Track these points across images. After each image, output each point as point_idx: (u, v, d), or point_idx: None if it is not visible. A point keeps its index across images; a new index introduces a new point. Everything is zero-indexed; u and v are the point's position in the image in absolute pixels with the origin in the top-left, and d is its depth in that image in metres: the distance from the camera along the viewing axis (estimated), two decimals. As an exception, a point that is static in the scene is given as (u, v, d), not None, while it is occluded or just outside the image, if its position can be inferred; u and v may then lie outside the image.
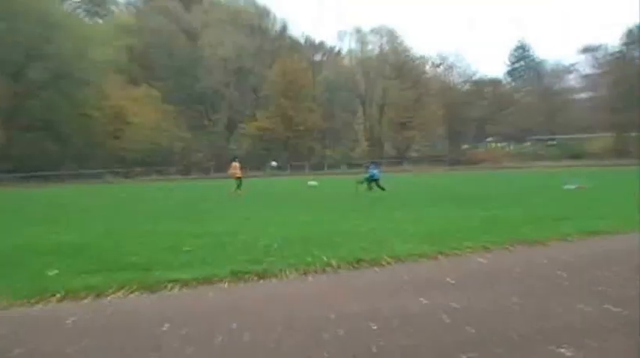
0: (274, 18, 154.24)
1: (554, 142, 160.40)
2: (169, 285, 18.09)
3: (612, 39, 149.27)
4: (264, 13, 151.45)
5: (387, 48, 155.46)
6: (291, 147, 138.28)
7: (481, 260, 21.86)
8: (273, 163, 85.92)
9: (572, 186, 58.52)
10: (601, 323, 13.41)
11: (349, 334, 12.92)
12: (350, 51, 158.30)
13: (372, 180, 60.24)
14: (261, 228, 30.75)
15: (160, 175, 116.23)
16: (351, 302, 16.03)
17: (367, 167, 67.83)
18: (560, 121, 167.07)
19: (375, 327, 13.36)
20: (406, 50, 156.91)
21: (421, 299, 15.95)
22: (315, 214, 37.43)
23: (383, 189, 61.19)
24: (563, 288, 17.08)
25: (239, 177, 75.04)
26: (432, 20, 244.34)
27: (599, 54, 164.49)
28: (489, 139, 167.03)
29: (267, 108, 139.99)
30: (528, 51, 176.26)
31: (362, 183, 61.17)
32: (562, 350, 11.61)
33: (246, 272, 19.53)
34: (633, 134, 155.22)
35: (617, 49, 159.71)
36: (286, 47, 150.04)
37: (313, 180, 69.04)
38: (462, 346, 11.98)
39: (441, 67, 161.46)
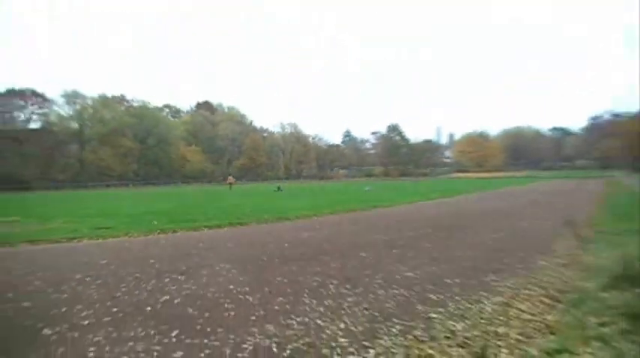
0: (247, 118, 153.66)
1: (361, 169, 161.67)
2: (203, 228, 18.02)
3: (383, 128, 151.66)
4: (244, 116, 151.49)
5: (293, 130, 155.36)
6: (253, 171, 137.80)
7: (321, 219, 21.82)
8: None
9: (367, 189, 58.78)
10: (377, 243, 13.64)
11: (276, 247, 13.03)
12: (278, 131, 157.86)
13: (278, 188, 60.59)
14: (240, 205, 30.52)
15: (199, 183, 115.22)
16: (277, 234, 16.13)
17: (280, 179, 68.18)
18: (364, 161, 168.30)
19: (287, 245, 13.48)
20: (301, 131, 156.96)
21: (305, 233, 16.08)
22: (262, 199, 37.38)
23: (281, 190, 60.73)
24: (364, 227, 17.26)
25: (231, 184, 75.13)
26: (313, 116, 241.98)
27: (378, 135, 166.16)
28: (336, 168, 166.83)
29: (245, 156, 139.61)
30: (350, 133, 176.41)
31: (277, 189, 61.22)
32: (362, 254, 11.76)
33: (235, 223, 19.48)
34: (391, 168, 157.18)
35: (385, 133, 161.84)
36: (252, 130, 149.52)
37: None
38: (323, 253, 12.13)
39: (317, 138, 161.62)
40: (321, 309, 7.38)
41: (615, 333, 5.27)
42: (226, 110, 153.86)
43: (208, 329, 6.54)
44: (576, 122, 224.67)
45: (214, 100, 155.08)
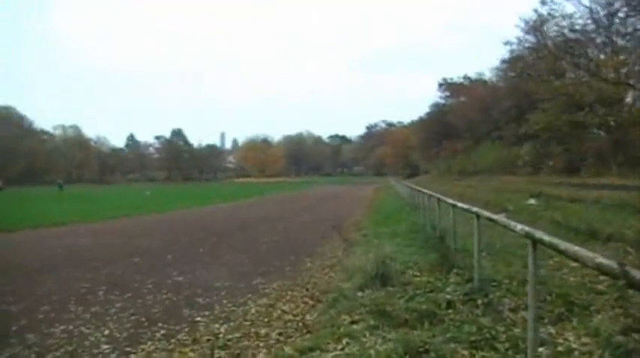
0: (27, 119, 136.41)
1: (144, 174, 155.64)
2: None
3: (167, 132, 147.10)
4: (23, 117, 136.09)
5: (75, 133, 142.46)
6: (32, 175, 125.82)
7: (98, 224, 21.03)
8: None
9: (148, 193, 55.78)
10: (152, 248, 13.87)
11: (46, 254, 12.75)
12: (59, 134, 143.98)
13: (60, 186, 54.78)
14: (13, 210, 28.14)
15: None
16: (49, 240, 15.86)
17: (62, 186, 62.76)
18: (148, 166, 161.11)
19: (58, 252, 13.13)
20: (82, 134, 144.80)
21: (80, 239, 15.98)
22: (39, 204, 34.85)
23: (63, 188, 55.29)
24: (141, 231, 17.16)
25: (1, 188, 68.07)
26: (97, 118, 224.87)
27: (162, 139, 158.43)
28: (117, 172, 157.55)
29: (22, 159, 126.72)
30: (134, 137, 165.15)
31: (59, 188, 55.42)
32: (135, 259, 11.69)
33: (3, 229, 17.94)
34: (174, 172, 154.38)
35: (169, 137, 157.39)
36: (32, 132, 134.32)
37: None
38: (95, 259, 12.02)
39: (99, 142, 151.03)
40: (87, 316, 7.32)
41: (364, 329, 5.68)
42: (1, 110, 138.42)
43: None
44: (354, 130, 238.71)
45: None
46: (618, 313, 5.63)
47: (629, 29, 38.98)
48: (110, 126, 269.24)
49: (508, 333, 5.18)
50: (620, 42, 40.19)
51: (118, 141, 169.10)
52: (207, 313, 7.38)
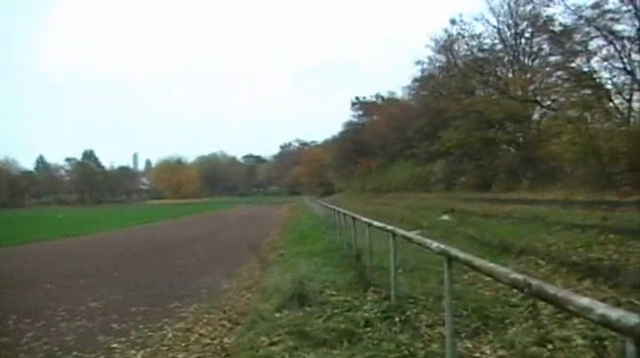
0: None
1: (56, 197, 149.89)
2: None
3: (79, 154, 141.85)
4: None
5: None
6: None
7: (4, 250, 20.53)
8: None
9: (61, 216, 53.57)
10: (65, 273, 13.44)
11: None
12: None
13: None
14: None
15: None
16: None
17: None
18: (59, 188, 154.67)
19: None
20: None
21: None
22: None
23: None
24: (53, 257, 16.85)
25: None
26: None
27: (74, 162, 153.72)
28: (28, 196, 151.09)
29: None
30: (44, 159, 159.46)
31: None
32: (48, 285, 11.40)
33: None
34: (86, 195, 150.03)
35: (80, 159, 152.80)
36: None
37: None
38: (2, 286, 11.53)
39: (7, 164, 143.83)
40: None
41: (283, 351, 5.72)
42: None
43: None
44: (269, 150, 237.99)
45: None
46: (531, 325, 5.88)
47: (535, 48, 41.66)
48: (18, 147, 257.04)
49: (426, 349, 5.33)
50: (527, 61, 42.56)
51: (27, 164, 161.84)
52: (123, 339, 7.24)
